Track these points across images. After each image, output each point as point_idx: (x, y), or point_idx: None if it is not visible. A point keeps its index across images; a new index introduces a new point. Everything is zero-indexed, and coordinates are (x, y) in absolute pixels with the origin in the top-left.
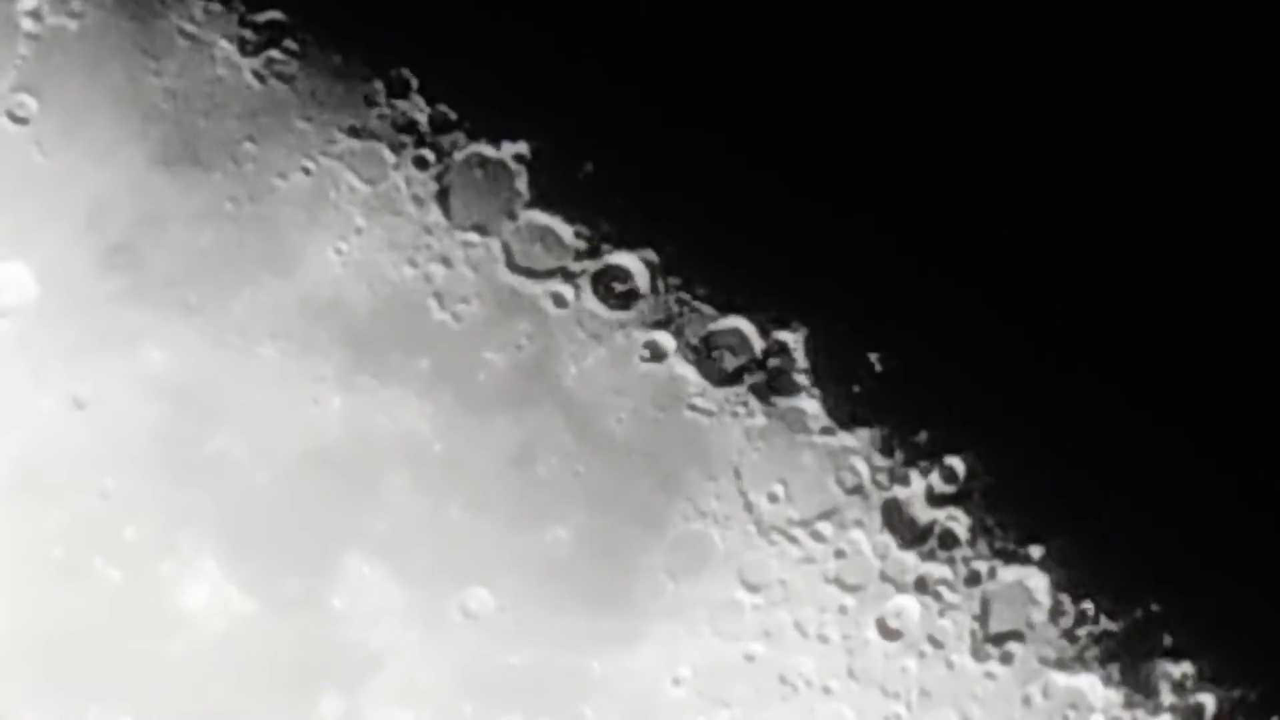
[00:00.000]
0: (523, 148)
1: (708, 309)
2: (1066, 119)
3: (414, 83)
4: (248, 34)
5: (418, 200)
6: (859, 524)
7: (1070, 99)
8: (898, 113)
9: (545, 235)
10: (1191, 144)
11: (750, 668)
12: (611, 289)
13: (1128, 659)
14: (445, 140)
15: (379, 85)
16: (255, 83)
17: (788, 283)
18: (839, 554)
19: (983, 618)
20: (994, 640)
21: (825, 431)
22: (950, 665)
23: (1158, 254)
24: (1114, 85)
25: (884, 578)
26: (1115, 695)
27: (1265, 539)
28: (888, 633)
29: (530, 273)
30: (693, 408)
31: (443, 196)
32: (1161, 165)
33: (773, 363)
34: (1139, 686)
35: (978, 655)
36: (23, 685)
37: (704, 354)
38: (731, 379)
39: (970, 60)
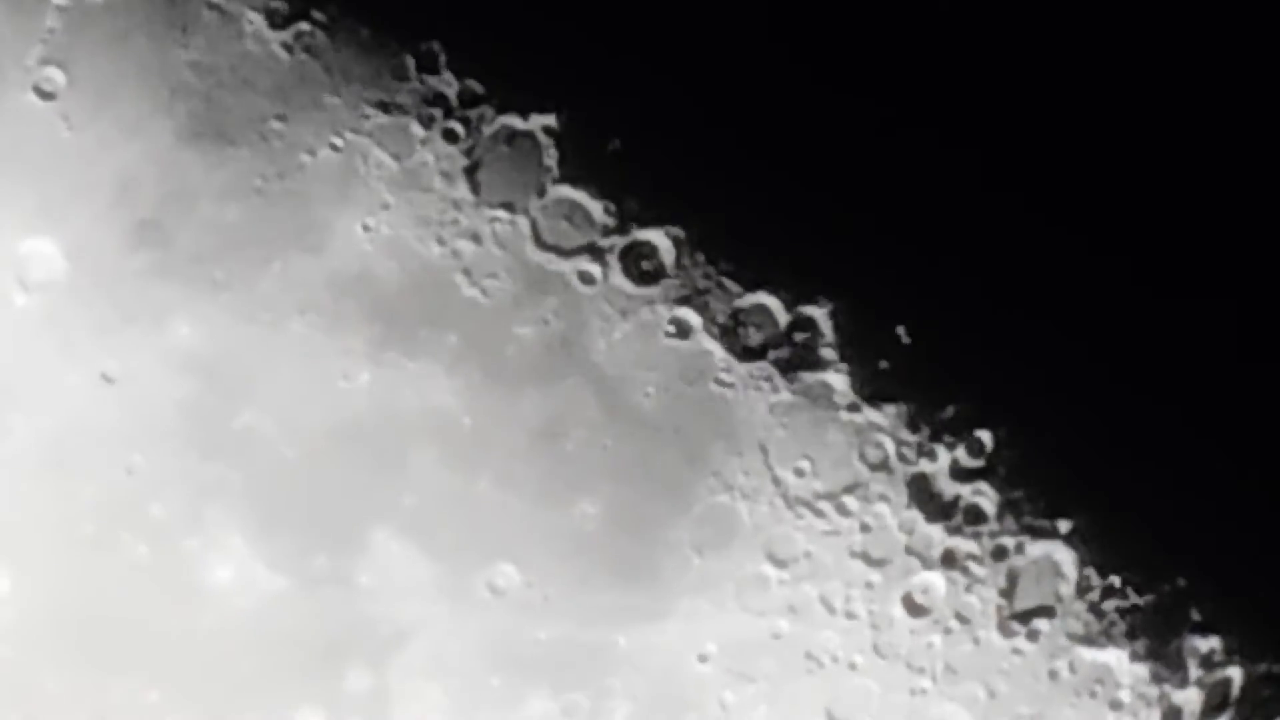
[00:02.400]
0: (550, 122)
1: (734, 285)
2: (1083, 109)
3: (443, 57)
4: (276, 7)
5: (446, 176)
6: (884, 499)
7: (1084, 90)
8: (927, 90)
9: (573, 212)
10: (1206, 137)
11: (776, 643)
12: (639, 265)
13: (1155, 634)
14: (474, 114)
15: (408, 60)
16: (284, 57)
17: (814, 258)
18: (865, 528)
19: (1009, 593)
20: (1020, 616)
21: (851, 407)
22: (976, 641)
23: (1182, 236)
24: (1126, 78)
25: (910, 552)
26: (1142, 670)
27: None
28: (914, 608)
29: (558, 249)
30: (719, 383)
31: (471, 172)
32: (1177, 156)
33: (799, 338)
34: (1166, 661)
35: (1004, 631)
36: (50, 660)
37: (730, 329)
38: (757, 354)
39: (983, 55)
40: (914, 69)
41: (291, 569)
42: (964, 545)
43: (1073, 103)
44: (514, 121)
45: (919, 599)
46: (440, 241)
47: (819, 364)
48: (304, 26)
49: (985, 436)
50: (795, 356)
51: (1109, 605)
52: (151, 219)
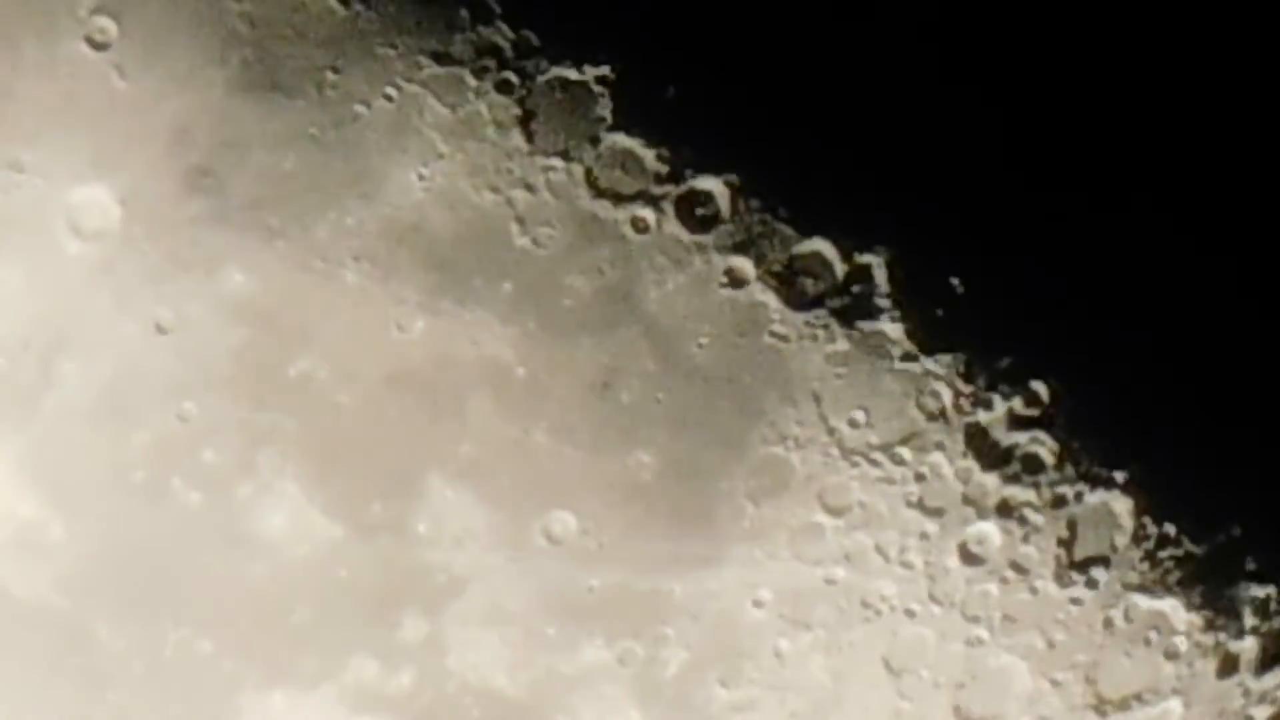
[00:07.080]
0: (605, 71)
1: (789, 232)
2: (1141, 59)
3: (496, 8)
4: None
5: (500, 125)
6: (940, 448)
7: (1139, 39)
8: (986, 39)
9: (627, 160)
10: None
11: (832, 591)
12: (693, 213)
13: (1211, 582)
14: (528, 64)
15: (462, 11)
16: (338, 9)
17: (870, 207)
18: (920, 478)
19: (1066, 542)
20: (1078, 565)
21: (907, 356)
22: (1034, 590)
23: (1244, 189)
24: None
25: (966, 501)
26: (1198, 619)
27: None
28: (970, 558)
29: (613, 197)
30: (773, 333)
31: (525, 121)
32: (1233, 112)
33: (855, 287)
34: (1222, 610)
35: (1061, 580)
36: (103, 609)
37: (785, 278)
38: (813, 303)
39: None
40: (976, 19)
41: (346, 517)
42: (1021, 494)
43: (1134, 54)
44: (568, 72)
45: (975, 548)
46: (494, 191)
47: (875, 313)
48: None
49: (1041, 386)
50: (851, 306)
51: (1165, 554)
52: (205, 166)
